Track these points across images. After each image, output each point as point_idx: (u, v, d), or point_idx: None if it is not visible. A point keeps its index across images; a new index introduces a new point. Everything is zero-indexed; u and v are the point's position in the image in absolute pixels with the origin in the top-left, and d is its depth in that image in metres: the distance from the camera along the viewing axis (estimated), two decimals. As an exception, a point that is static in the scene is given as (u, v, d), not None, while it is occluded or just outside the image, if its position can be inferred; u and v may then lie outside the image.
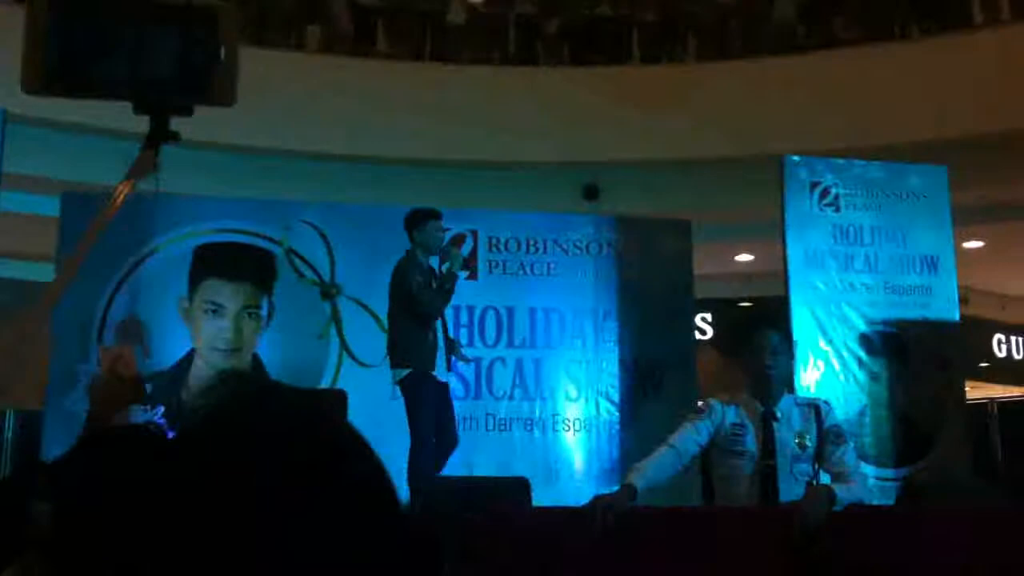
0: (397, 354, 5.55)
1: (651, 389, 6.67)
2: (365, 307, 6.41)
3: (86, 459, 1.62)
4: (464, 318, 6.46)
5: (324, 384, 6.16)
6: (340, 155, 9.24)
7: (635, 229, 7.18)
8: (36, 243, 8.48)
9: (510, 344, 6.68)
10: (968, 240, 9.99)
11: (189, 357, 6.13)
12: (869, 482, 3.92)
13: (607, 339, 6.80)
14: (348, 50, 10.36)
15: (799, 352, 6.00)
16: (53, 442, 5.53)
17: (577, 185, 9.74)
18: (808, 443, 3.50)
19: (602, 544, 3.10)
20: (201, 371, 5.99)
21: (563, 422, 6.64)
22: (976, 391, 10.21)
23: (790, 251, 6.47)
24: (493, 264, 6.72)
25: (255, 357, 6.21)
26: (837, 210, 6.63)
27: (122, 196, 1.69)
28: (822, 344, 6.33)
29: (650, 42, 10.57)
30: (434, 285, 5.52)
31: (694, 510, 3.76)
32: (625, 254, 6.97)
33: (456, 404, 5.85)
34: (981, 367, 12.44)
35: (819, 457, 3.51)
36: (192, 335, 6.16)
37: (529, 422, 6.58)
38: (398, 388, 5.52)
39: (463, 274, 5.66)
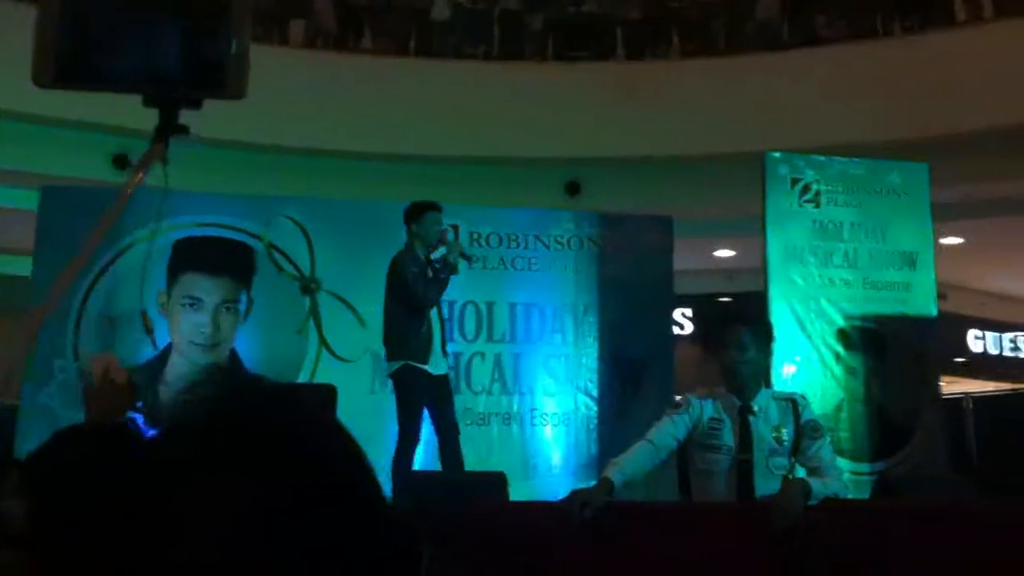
0: (391, 347, 5.52)
1: (630, 384, 6.68)
2: (344, 302, 6.40)
3: (60, 454, 1.61)
4: (444, 312, 6.46)
5: (302, 379, 6.13)
6: (323, 150, 9.22)
7: (617, 225, 7.18)
8: (12, 238, 8.43)
9: (490, 339, 6.68)
10: (947, 237, 10.06)
11: (166, 352, 6.10)
12: (845, 476, 3.94)
13: (587, 334, 6.81)
14: (332, 45, 10.35)
15: (777, 347, 6.01)
16: (27, 437, 5.48)
17: (559, 181, 9.75)
18: (785, 437, 3.51)
19: (579, 539, 3.11)
20: (179, 366, 5.95)
21: (541, 417, 6.64)
22: (952, 386, 10.30)
23: (770, 246, 6.48)
24: (474, 259, 6.72)
25: (233, 352, 6.18)
26: (817, 206, 6.65)
27: (130, 190, 1.68)
28: (800, 339, 6.37)
29: (634, 39, 10.61)
30: (429, 274, 5.50)
31: (672, 505, 3.78)
32: (607, 250, 6.97)
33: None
34: (957, 362, 12.54)
35: (796, 451, 3.51)
36: (170, 329, 6.13)
37: (508, 417, 6.57)
38: (385, 383, 5.50)
39: (463, 264, 5.64)
